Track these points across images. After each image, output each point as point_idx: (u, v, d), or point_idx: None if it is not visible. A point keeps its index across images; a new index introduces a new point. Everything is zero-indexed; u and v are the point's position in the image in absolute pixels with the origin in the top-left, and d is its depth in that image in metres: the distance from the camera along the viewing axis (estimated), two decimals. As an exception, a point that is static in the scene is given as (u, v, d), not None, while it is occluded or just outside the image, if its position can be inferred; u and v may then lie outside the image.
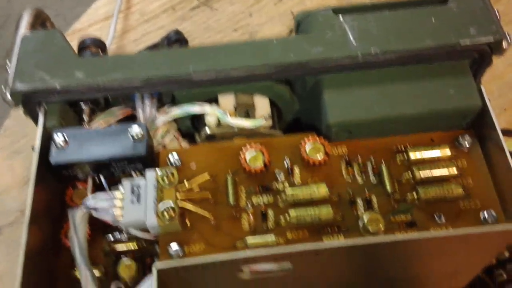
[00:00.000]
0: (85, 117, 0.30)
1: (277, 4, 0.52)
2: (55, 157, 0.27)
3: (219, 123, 0.29)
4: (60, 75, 0.28)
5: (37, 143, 0.28)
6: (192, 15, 0.52)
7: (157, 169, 0.26)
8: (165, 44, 0.50)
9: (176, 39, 0.49)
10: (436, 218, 0.26)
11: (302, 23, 0.30)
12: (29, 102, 0.28)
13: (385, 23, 0.28)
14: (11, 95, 0.28)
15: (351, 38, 0.28)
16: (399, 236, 0.25)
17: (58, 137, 0.27)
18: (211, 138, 0.30)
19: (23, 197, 0.43)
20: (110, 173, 0.28)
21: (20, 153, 0.45)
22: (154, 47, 0.50)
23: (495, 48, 0.28)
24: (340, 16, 0.29)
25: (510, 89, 0.47)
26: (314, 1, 0.52)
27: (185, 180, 0.27)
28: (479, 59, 0.28)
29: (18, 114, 0.30)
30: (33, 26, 0.32)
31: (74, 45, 0.51)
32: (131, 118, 0.31)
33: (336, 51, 0.28)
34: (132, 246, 0.28)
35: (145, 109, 0.30)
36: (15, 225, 0.41)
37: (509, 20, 0.50)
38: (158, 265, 0.23)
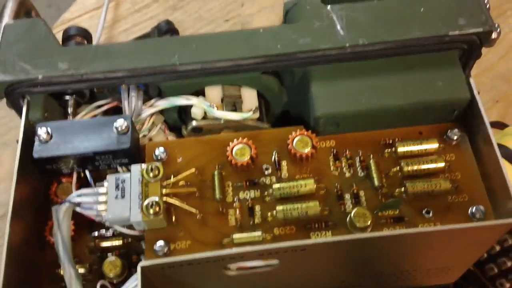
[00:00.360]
0: (70, 110, 0.30)
1: (269, -6, 0.51)
2: (39, 151, 0.27)
3: (205, 116, 0.29)
4: (43, 65, 0.28)
5: (20, 136, 0.27)
6: (183, 5, 0.51)
7: (142, 164, 0.26)
8: (156, 35, 0.49)
9: (167, 29, 0.49)
10: (424, 213, 0.26)
11: (290, 12, 0.29)
12: (12, 94, 0.28)
13: (373, 13, 0.28)
14: (-7, 87, 0.28)
15: (339, 28, 0.27)
16: (386, 232, 0.24)
17: (41, 131, 0.27)
18: (197, 131, 0.29)
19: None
20: (95, 167, 0.28)
21: (9, 145, 0.44)
22: (144, 37, 0.49)
23: (485, 39, 0.27)
24: (328, 5, 0.28)
25: (502, 81, 0.47)
26: (306, -10, 0.51)
27: (172, 176, 0.26)
28: (468, 50, 0.27)
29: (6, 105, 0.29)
30: (18, 14, 0.31)
31: (63, 36, 0.50)
32: (117, 111, 0.30)
33: (324, 42, 0.27)
34: (117, 242, 0.27)
35: (131, 101, 0.29)
36: (4, 218, 0.41)
37: (501, 12, 0.50)
38: (142, 262, 0.23)
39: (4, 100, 0.29)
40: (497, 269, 0.34)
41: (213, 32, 0.50)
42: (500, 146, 0.37)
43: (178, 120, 0.31)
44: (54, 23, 0.39)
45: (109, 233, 0.28)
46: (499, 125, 0.42)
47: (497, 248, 0.35)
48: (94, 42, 0.44)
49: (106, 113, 0.31)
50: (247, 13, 0.51)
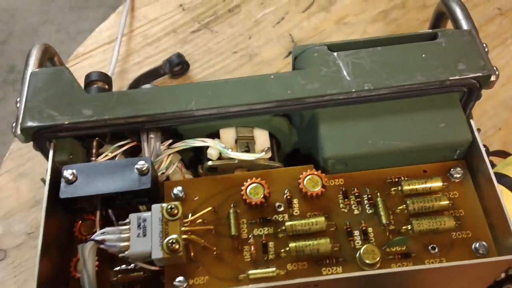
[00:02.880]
0: (93, 150, 0.31)
1: (275, 27, 0.53)
2: (65, 192, 0.28)
3: (220, 156, 0.30)
4: (69, 112, 0.29)
5: (48, 177, 0.29)
6: (193, 38, 0.53)
7: (162, 204, 0.28)
8: (167, 67, 0.51)
9: (178, 62, 0.51)
10: (430, 249, 0.27)
11: (298, 58, 0.31)
12: (39, 138, 0.30)
13: (377, 59, 0.30)
14: (21, 132, 0.29)
15: (345, 74, 0.29)
16: (394, 268, 0.26)
17: (67, 173, 0.28)
18: (213, 170, 0.31)
19: (29, 220, 0.44)
20: (116, 205, 0.29)
21: (25, 176, 0.46)
22: (156, 69, 0.51)
23: (484, 82, 0.29)
24: (335, 52, 0.30)
25: (504, 109, 0.48)
26: (311, 23, 0.53)
27: (189, 214, 0.28)
28: (468, 93, 0.29)
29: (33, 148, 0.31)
30: (42, 62, 0.33)
31: (80, 68, 0.53)
32: (136, 148, 0.32)
33: (331, 87, 0.29)
34: (138, 277, 0.29)
35: (150, 142, 0.31)
36: (22, 247, 0.42)
37: (502, 41, 0.51)
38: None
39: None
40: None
41: (223, 63, 0.52)
42: (503, 176, 0.38)
43: (194, 158, 0.32)
44: (62, 46, 0.40)
45: (130, 267, 0.29)
46: (502, 154, 0.44)
47: (503, 275, 0.36)
48: (109, 74, 0.46)
49: (125, 151, 0.32)
50: (254, 45, 0.53)
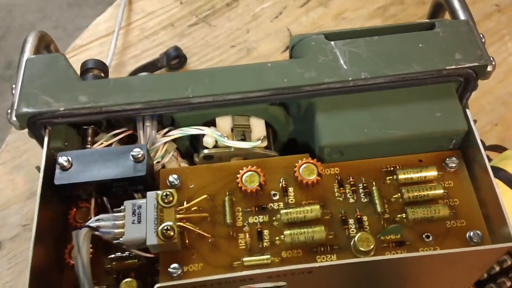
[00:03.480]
0: (89, 138, 0.31)
1: (273, 21, 0.53)
2: (60, 178, 0.28)
3: (216, 144, 0.30)
4: (64, 98, 0.29)
5: (42, 164, 0.29)
6: (191, 32, 0.53)
7: (157, 191, 0.28)
8: (164, 60, 0.51)
9: (176, 55, 0.51)
10: (425, 237, 0.27)
11: (295, 47, 0.31)
12: (34, 125, 0.29)
13: (374, 48, 0.30)
14: (16, 118, 0.29)
15: (342, 63, 0.29)
16: (388, 256, 0.26)
17: (62, 159, 0.28)
18: (209, 158, 0.31)
19: (25, 212, 0.44)
20: (112, 192, 0.29)
21: (21, 168, 0.46)
22: (153, 63, 0.51)
23: (480, 72, 0.29)
24: (332, 41, 0.30)
25: (501, 104, 0.48)
26: (309, 18, 0.53)
27: (185, 202, 0.28)
28: (465, 83, 0.29)
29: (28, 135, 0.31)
30: (38, 49, 0.33)
31: (77, 61, 0.52)
32: (132, 137, 0.32)
33: (328, 76, 0.29)
34: (133, 264, 0.29)
35: (146, 130, 0.31)
36: (17, 239, 0.42)
37: (500, 37, 0.52)
38: (157, 284, 0.24)
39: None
40: (496, 288, 0.35)
41: (220, 57, 0.52)
42: (499, 169, 0.38)
43: (190, 147, 0.32)
44: (59, 43, 0.40)
45: (125, 254, 0.29)
46: (499, 149, 0.44)
47: (497, 268, 0.36)
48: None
49: (121, 140, 0.32)
50: (252, 39, 0.53)
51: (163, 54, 0.51)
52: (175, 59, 0.51)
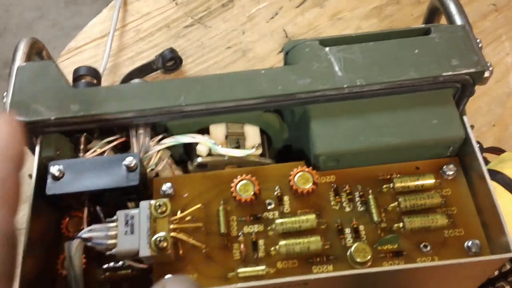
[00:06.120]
0: (81, 146, 0.31)
1: (269, 22, 0.53)
2: (51, 188, 0.28)
3: (210, 152, 0.30)
4: (55, 107, 0.29)
5: (34, 173, 0.28)
6: (186, 33, 0.53)
7: (150, 201, 0.27)
8: (160, 62, 0.50)
9: (171, 57, 0.50)
10: (422, 247, 0.27)
11: (290, 53, 0.31)
12: (25, 133, 0.29)
13: (370, 55, 0.29)
14: (7, 127, 0.29)
15: (337, 69, 0.29)
16: (385, 267, 0.26)
17: (54, 169, 0.28)
18: (203, 166, 0.30)
19: (20, 216, 0.43)
20: (104, 202, 0.29)
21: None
22: (149, 64, 0.51)
23: (477, 78, 0.29)
24: (327, 47, 0.30)
25: (498, 105, 0.48)
26: (305, 18, 0.53)
27: (178, 212, 0.27)
28: (462, 89, 0.29)
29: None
30: (29, 56, 0.32)
31: (72, 63, 0.52)
32: (125, 144, 0.32)
33: (323, 83, 0.28)
34: (126, 274, 0.28)
35: (139, 138, 0.30)
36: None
37: (497, 37, 0.51)
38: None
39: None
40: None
41: (216, 59, 0.51)
42: (497, 172, 0.38)
43: (183, 155, 0.32)
44: (56, 41, 0.40)
45: (118, 265, 0.29)
46: (496, 151, 0.43)
47: (496, 272, 0.36)
48: (100, 69, 0.45)
49: (115, 147, 0.32)
50: (247, 41, 0.52)
51: (158, 56, 0.50)
52: (170, 61, 0.51)
